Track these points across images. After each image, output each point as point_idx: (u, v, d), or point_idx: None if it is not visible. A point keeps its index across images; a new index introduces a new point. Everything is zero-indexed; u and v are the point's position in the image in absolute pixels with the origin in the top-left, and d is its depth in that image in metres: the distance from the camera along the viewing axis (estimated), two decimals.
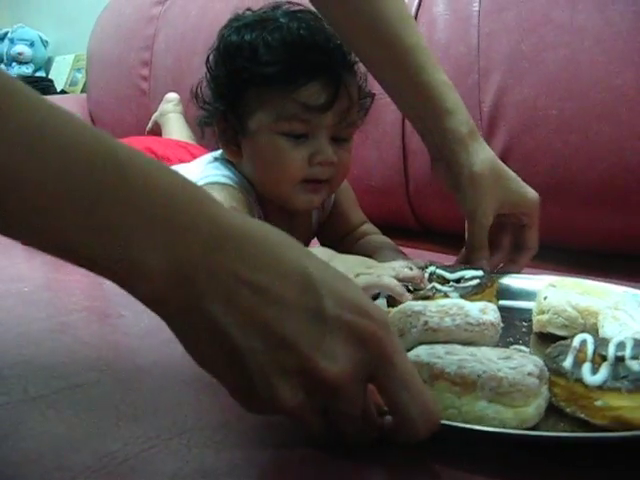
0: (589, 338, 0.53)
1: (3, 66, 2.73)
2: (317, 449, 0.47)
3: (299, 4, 0.90)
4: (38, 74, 2.72)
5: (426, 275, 0.72)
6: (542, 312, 0.67)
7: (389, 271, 0.70)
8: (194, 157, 1.15)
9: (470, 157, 0.81)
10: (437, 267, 0.74)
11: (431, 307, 0.60)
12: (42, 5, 2.84)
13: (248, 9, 0.91)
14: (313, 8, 0.88)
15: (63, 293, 0.90)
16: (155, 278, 0.40)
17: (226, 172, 0.91)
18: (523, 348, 0.61)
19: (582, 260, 0.98)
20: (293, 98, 0.82)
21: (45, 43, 2.75)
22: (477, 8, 1.09)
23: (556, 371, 0.51)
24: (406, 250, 1.08)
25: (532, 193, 0.82)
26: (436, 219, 1.22)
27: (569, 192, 0.98)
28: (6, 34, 2.75)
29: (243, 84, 0.85)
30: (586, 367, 0.50)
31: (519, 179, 0.82)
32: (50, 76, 2.67)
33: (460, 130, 0.81)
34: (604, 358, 0.51)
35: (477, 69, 1.08)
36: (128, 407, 0.54)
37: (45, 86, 2.46)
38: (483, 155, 0.81)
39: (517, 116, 1.04)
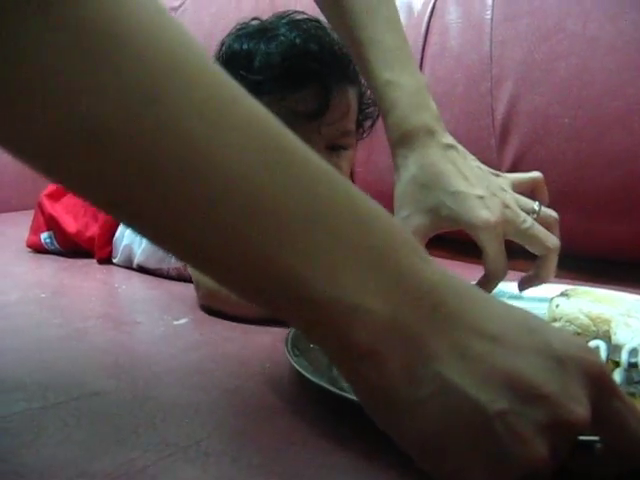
0: (602, 344, 0.54)
1: None
2: (337, 455, 0.47)
3: (305, 13, 0.91)
4: None
5: None
6: (554, 320, 0.67)
7: None
8: None
9: (396, 161, 0.72)
10: None
11: None
12: None
13: (255, 18, 0.92)
14: (319, 16, 0.89)
15: (79, 300, 0.91)
16: (375, 325, 0.35)
17: None
18: None
19: (594, 268, 0.98)
20: (283, 105, 0.82)
21: None
22: (490, 16, 1.10)
23: None
24: None
25: (479, 214, 0.66)
26: None
27: (581, 200, 0.98)
28: None
29: None
30: None
31: (470, 194, 0.67)
32: None
33: (391, 132, 0.72)
34: (617, 364, 0.51)
35: (490, 77, 1.09)
36: (146, 415, 0.54)
37: None
38: (411, 160, 0.70)
39: (529, 124, 1.04)
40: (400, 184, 0.70)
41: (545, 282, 0.73)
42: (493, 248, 0.67)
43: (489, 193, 0.68)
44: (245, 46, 0.86)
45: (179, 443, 0.50)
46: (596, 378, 0.37)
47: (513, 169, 0.82)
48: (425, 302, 0.36)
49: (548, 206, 0.73)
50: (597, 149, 0.98)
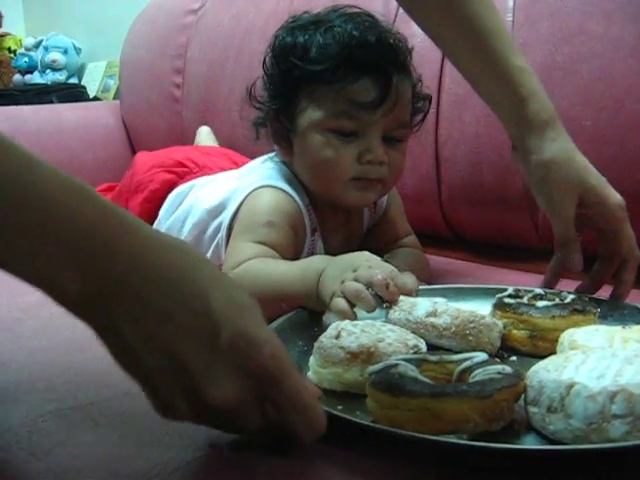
0: (481, 355, 0.56)
1: (37, 73, 2.78)
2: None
3: (357, 7, 0.91)
4: (71, 81, 2.76)
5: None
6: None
7: (371, 273, 0.70)
8: (236, 164, 1.17)
9: (542, 144, 0.78)
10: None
11: (402, 302, 0.69)
12: (75, 14, 2.88)
13: (305, 12, 0.93)
14: (369, 11, 0.89)
15: None
16: (71, 298, 0.44)
17: (279, 173, 0.93)
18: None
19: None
20: (342, 95, 0.83)
21: (78, 50, 2.79)
22: (511, 19, 1.10)
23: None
24: (438, 258, 1.09)
25: (615, 195, 0.78)
26: (468, 227, 1.22)
27: None
28: (41, 42, 2.80)
29: (295, 82, 0.87)
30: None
31: (602, 178, 0.79)
32: (83, 82, 2.70)
33: (534, 118, 0.79)
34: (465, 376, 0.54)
35: None
36: None
37: (78, 92, 2.49)
38: (558, 144, 0.78)
39: None
40: (556, 161, 0.78)
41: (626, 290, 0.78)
42: (629, 228, 0.77)
43: None
44: (300, 38, 0.87)
45: (210, 444, 0.50)
46: (258, 375, 0.46)
47: None
48: (121, 275, 0.44)
49: None
50: (619, 151, 0.98)
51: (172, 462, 0.48)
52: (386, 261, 0.75)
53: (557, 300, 0.72)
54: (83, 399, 0.59)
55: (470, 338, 0.65)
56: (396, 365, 0.53)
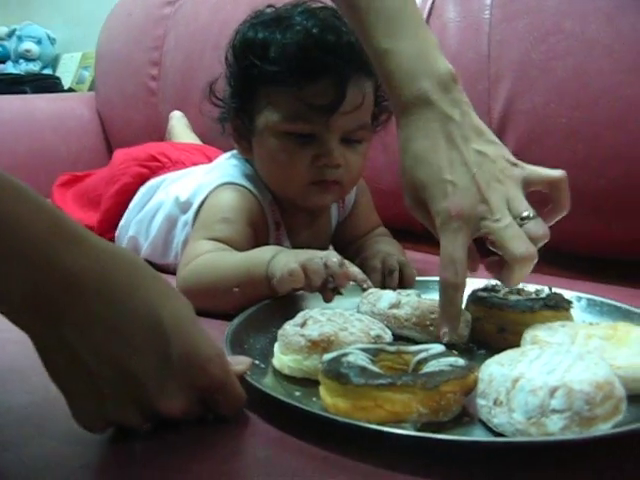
0: (435, 349, 0.57)
1: (11, 63, 2.75)
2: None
3: (320, 1, 0.90)
4: (45, 71, 2.73)
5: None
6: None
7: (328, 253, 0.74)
8: (210, 159, 1.16)
9: (398, 134, 0.68)
10: None
11: (371, 294, 0.73)
12: (50, 3, 2.85)
13: (269, 5, 0.91)
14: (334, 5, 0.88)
15: None
16: (15, 304, 0.43)
17: (243, 170, 0.92)
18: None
19: (590, 267, 0.99)
20: (298, 97, 0.82)
21: (52, 41, 2.76)
22: (488, 16, 1.10)
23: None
24: (414, 254, 1.09)
25: (439, 203, 0.63)
26: None
27: (577, 200, 0.98)
28: (14, 31, 2.76)
29: (253, 82, 0.86)
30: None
31: (439, 179, 0.63)
32: (57, 74, 2.68)
33: (392, 108, 0.70)
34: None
35: (487, 76, 1.09)
36: None
37: (52, 84, 2.46)
38: (405, 135, 0.66)
39: (526, 124, 1.05)
40: (400, 159, 0.67)
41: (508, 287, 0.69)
42: (445, 241, 0.62)
43: (467, 181, 0.62)
44: (260, 35, 0.85)
45: (177, 432, 0.50)
46: (205, 382, 0.49)
47: None
48: (68, 281, 0.43)
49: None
50: (593, 149, 0.98)
51: (142, 450, 0.48)
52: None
53: (532, 295, 0.72)
54: (55, 391, 0.58)
55: (431, 329, 0.66)
56: (347, 354, 0.54)
